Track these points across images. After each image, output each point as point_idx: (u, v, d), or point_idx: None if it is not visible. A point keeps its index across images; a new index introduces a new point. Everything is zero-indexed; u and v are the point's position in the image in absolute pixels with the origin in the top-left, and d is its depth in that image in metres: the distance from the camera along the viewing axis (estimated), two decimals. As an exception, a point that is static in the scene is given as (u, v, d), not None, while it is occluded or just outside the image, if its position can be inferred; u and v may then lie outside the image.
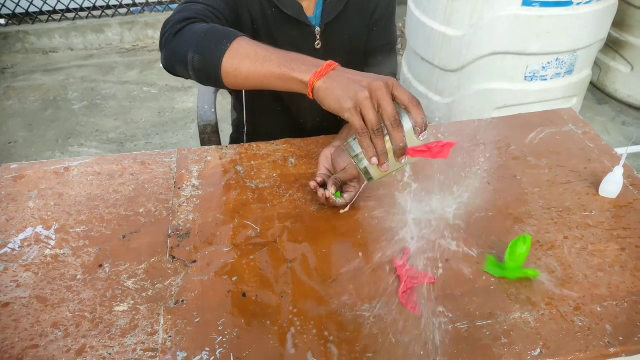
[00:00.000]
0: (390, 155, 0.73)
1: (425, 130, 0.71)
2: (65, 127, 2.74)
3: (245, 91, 1.23)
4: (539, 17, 2.00)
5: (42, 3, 3.39)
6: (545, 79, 2.21)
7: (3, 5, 3.36)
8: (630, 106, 2.70)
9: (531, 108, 2.21)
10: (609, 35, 2.63)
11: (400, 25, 3.37)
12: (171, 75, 0.95)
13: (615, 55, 2.69)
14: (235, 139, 1.40)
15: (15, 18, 3.43)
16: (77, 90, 3.05)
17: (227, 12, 1.00)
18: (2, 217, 0.95)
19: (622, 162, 0.96)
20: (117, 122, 2.78)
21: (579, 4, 1.99)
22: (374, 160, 0.72)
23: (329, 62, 0.77)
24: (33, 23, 3.42)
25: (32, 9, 3.41)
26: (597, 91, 2.82)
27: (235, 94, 1.31)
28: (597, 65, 2.76)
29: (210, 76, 0.85)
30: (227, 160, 1.10)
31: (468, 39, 2.14)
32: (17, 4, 3.38)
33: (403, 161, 0.73)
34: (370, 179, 0.78)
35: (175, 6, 1.17)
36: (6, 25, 3.45)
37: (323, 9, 1.11)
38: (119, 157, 1.11)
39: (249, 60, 0.81)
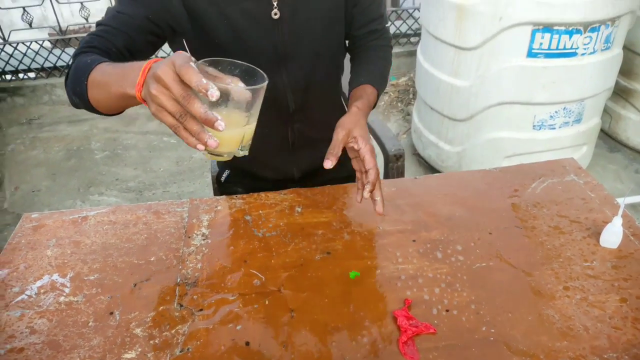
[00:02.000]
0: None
1: (211, 91, 0.64)
2: (87, 176, 2.84)
3: None
4: (544, 68, 2.05)
5: (69, 57, 3.57)
6: (554, 128, 2.24)
7: (33, 59, 3.55)
8: (643, 153, 2.71)
9: (541, 156, 2.23)
10: (618, 83, 2.67)
11: (412, 75, 3.46)
12: None
13: (625, 103, 2.72)
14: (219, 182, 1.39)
15: (43, 71, 3.61)
16: (99, 141, 3.16)
17: (140, 15, 0.97)
18: (21, 265, 1.00)
19: (620, 212, 0.98)
20: (137, 171, 2.87)
21: (583, 54, 2.05)
22: (200, 146, 0.69)
23: (146, 63, 0.73)
24: (60, 76, 3.60)
25: (60, 63, 3.59)
26: (609, 139, 2.84)
27: None
28: (608, 113, 2.79)
29: (93, 110, 0.89)
30: (236, 210, 1.14)
31: (476, 89, 2.20)
32: (46, 59, 3.56)
33: (220, 128, 0.66)
34: (230, 154, 0.76)
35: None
36: (35, 78, 3.63)
37: None
38: (133, 206, 1.16)
39: (100, 90, 0.82)
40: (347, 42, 1.27)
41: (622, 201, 1.00)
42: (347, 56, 1.32)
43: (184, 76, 0.65)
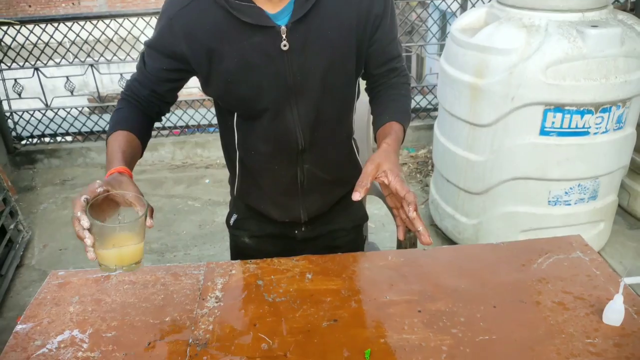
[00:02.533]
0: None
1: (82, 222, 0.87)
2: (112, 236, 2.93)
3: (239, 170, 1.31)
4: (557, 146, 2.11)
5: (105, 123, 3.78)
6: (569, 204, 2.26)
7: (71, 124, 3.77)
8: (664, 232, 2.69)
9: (558, 232, 2.24)
10: (635, 161, 2.70)
11: (430, 147, 3.55)
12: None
13: (643, 181, 2.74)
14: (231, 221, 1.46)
15: (80, 135, 3.82)
16: (127, 202, 3.28)
17: (157, 68, 1.13)
18: (44, 320, 1.06)
19: (621, 290, 1.00)
20: (161, 233, 2.96)
21: (595, 133, 2.10)
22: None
23: (109, 172, 0.99)
24: (95, 140, 3.80)
25: (96, 128, 3.80)
26: (628, 216, 2.83)
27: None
28: (626, 190, 2.80)
29: None
30: (250, 274, 1.19)
31: (490, 164, 2.26)
32: (84, 124, 3.78)
33: (88, 243, 0.88)
34: (118, 267, 0.94)
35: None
36: (72, 141, 3.84)
37: (294, 5, 1.05)
38: (154, 268, 1.22)
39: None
40: (365, 82, 1.29)
41: (623, 278, 1.02)
42: (364, 100, 1.34)
43: (73, 206, 0.89)
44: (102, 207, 0.93)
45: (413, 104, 3.75)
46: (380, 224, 2.89)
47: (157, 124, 3.86)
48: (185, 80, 1.18)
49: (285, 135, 1.18)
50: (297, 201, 1.30)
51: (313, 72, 1.11)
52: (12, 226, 2.71)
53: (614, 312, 1.00)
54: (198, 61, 1.09)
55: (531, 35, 2.04)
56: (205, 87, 1.16)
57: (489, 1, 2.48)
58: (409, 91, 1.28)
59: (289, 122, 1.16)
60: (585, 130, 2.09)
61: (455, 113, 2.34)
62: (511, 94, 2.06)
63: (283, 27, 1.05)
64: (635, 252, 2.57)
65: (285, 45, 1.06)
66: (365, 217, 1.49)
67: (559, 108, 2.04)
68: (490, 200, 2.36)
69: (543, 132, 2.10)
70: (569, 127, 2.08)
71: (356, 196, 0.99)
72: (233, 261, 1.25)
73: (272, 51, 1.07)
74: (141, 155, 1.16)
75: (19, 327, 1.05)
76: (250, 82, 1.10)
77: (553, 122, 2.08)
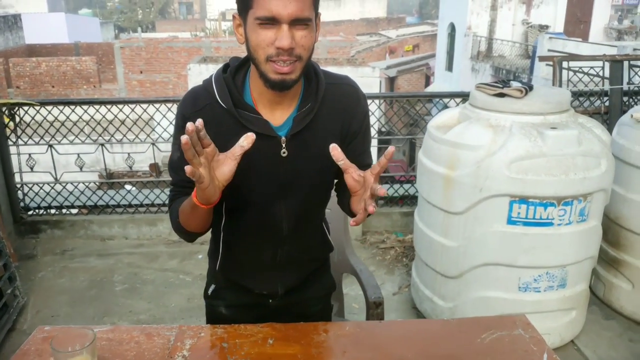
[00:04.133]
0: None
1: None
2: (103, 306, 3.03)
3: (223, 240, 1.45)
4: (524, 234, 2.26)
5: (109, 198, 3.99)
6: (539, 291, 2.37)
7: (77, 198, 3.97)
8: (638, 323, 2.75)
9: (530, 318, 2.33)
10: (607, 253, 2.82)
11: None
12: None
13: (617, 272, 2.84)
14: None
15: (84, 208, 4.01)
16: (122, 274, 3.41)
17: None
18: (26, 369, 1.18)
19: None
20: (150, 305, 3.05)
21: (559, 224, 2.25)
22: None
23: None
24: (98, 214, 3.98)
25: (100, 203, 4.00)
26: (604, 306, 2.91)
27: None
28: (601, 281, 2.90)
29: (187, 237, 1.34)
30: (216, 337, 1.31)
31: (463, 249, 2.40)
32: (89, 198, 3.98)
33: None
34: None
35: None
36: (76, 214, 4.03)
37: (293, 121, 1.25)
38: (130, 328, 1.35)
39: (185, 217, 1.25)
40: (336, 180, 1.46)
41: (546, 351, 1.13)
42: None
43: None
44: (69, 341, 1.13)
45: (401, 192, 3.95)
46: (363, 304, 2.97)
47: (157, 201, 4.04)
48: None
49: (271, 225, 1.35)
50: (275, 276, 1.45)
51: (304, 174, 1.32)
52: (9, 291, 2.82)
53: (538, 382, 1.11)
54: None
55: (497, 134, 2.26)
56: None
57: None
58: None
59: (275, 215, 1.34)
60: (549, 221, 2.24)
61: (432, 201, 2.51)
62: (479, 185, 2.24)
63: (283, 138, 1.26)
64: (609, 342, 2.63)
65: (284, 153, 1.27)
66: (334, 286, 1.63)
67: (523, 200, 2.21)
68: (464, 285, 2.47)
69: (510, 221, 2.26)
70: (533, 218, 2.23)
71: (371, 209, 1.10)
72: (204, 325, 1.37)
73: (272, 156, 1.27)
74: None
75: (2, 374, 1.16)
76: (247, 177, 1.28)
77: (519, 213, 2.24)
